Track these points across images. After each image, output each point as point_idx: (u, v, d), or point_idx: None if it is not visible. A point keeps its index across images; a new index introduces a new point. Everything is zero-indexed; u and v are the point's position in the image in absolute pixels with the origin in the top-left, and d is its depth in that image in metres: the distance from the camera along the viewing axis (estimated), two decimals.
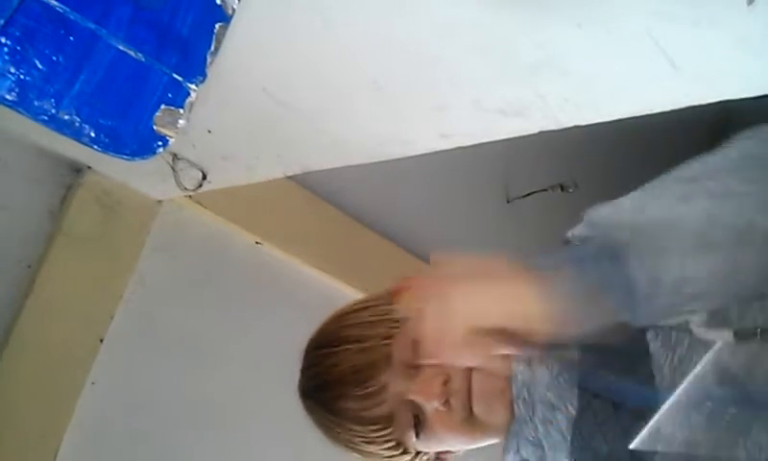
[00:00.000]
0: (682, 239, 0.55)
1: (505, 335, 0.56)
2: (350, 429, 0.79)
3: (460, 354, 0.60)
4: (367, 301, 0.89)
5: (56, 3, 0.56)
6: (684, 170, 0.62)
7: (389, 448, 0.79)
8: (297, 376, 0.92)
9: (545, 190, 1.93)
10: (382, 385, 0.77)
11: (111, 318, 1.21)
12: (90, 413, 1.18)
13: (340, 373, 0.79)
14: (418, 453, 0.80)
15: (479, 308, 0.57)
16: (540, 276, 0.57)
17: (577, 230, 0.64)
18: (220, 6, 0.62)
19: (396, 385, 0.76)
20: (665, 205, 0.58)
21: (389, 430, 0.77)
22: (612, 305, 0.55)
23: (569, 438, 0.69)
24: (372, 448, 0.79)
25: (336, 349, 0.82)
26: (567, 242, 0.70)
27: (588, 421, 0.67)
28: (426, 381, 0.74)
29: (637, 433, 0.63)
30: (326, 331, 0.86)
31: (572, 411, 0.69)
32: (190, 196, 1.23)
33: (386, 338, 0.79)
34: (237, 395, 1.38)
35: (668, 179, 0.62)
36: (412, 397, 0.75)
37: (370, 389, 0.77)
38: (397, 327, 0.80)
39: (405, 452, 0.79)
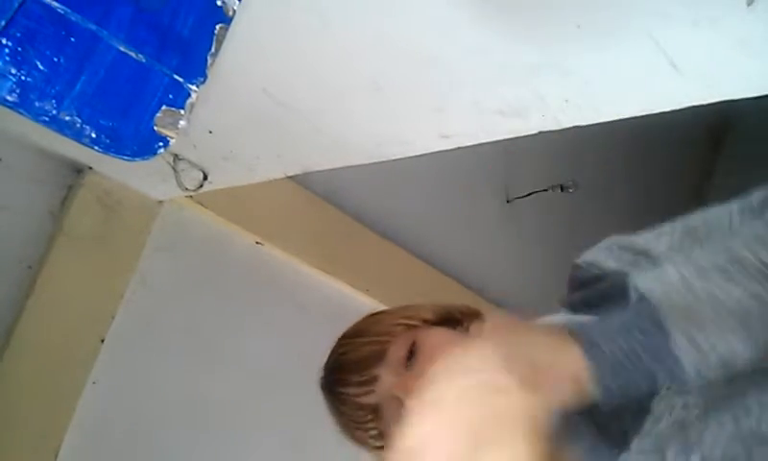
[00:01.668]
0: (725, 319, 0.56)
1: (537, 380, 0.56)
2: (344, 413, 0.84)
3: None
4: (392, 307, 0.95)
5: (57, 4, 0.56)
6: (723, 238, 0.64)
7: (375, 438, 0.82)
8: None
9: (545, 190, 1.93)
10: (374, 376, 0.81)
11: (112, 318, 1.21)
12: (91, 413, 1.18)
13: (345, 360, 0.86)
14: None
15: (525, 349, 0.56)
16: (586, 338, 0.58)
17: (598, 256, 0.66)
18: (220, 7, 0.62)
19: (386, 379, 0.81)
20: (712, 284, 0.58)
21: (373, 418, 0.81)
22: (658, 375, 0.56)
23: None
24: (360, 435, 0.83)
25: (349, 340, 0.88)
26: (577, 267, 0.72)
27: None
28: (409, 378, 0.78)
29: (628, 411, 0.65)
30: (350, 326, 0.92)
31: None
32: (191, 196, 1.23)
33: (388, 335, 0.84)
34: (237, 394, 1.38)
35: (711, 246, 0.63)
36: (395, 391, 0.79)
37: (364, 377, 0.82)
38: (402, 328, 0.84)
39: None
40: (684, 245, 0.68)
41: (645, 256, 0.74)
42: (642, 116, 0.65)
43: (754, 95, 0.58)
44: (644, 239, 0.72)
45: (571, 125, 0.70)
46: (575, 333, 0.57)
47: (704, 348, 0.55)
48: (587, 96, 0.65)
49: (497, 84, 0.68)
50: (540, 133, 0.72)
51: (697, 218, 0.69)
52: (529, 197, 1.95)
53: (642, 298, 0.60)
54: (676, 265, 0.61)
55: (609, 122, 0.68)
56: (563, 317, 0.78)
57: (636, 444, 0.63)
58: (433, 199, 1.78)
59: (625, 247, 0.77)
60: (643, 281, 0.61)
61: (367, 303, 1.54)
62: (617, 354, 0.57)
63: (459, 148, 0.80)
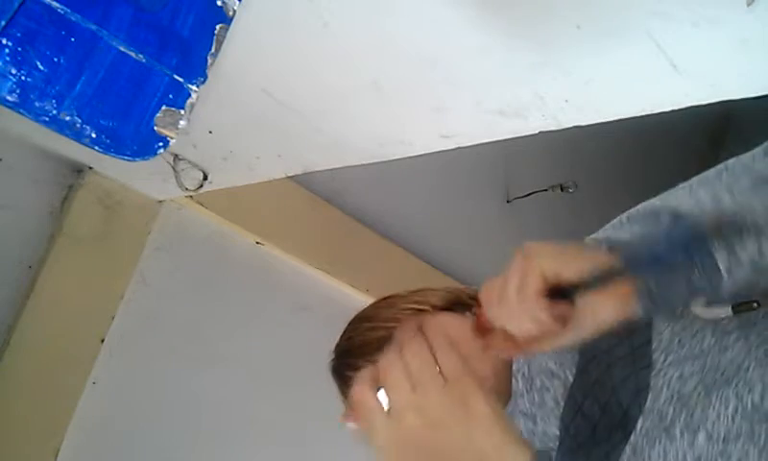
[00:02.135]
0: (756, 222, 0.59)
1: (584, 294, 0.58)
2: (349, 397, 0.85)
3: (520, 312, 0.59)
4: (402, 292, 0.96)
5: (57, 4, 0.56)
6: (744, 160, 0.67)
7: None
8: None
9: (545, 190, 1.93)
10: (378, 361, 0.82)
11: (112, 318, 1.21)
12: (91, 413, 1.18)
13: (352, 345, 0.87)
14: None
15: (564, 261, 0.58)
16: (624, 251, 0.60)
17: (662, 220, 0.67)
18: (221, 7, 0.62)
19: None
20: (739, 197, 0.62)
21: None
22: (695, 279, 0.59)
23: (562, 403, 0.70)
24: None
25: (357, 324, 0.90)
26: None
27: (581, 383, 0.69)
28: None
29: (628, 388, 0.65)
30: (361, 310, 0.94)
31: (570, 378, 0.70)
32: (191, 196, 1.23)
33: (394, 321, 0.85)
34: (237, 394, 1.38)
35: (736, 174, 0.67)
36: None
37: (369, 362, 0.82)
38: (409, 313, 0.85)
39: None
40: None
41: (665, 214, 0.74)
42: (642, 116, 0.66)
43: (754, 95, 0.58)
44: (660, 198, 0.73)
45: (571, 125, 0.70)
46: (613, 249, 0.60)
47: (736, 249, 0.58)
48: (587, 96, 0.65)
49: (497, 85, 0.68)
50: (540, 133, 0.72)
51: (714, 170, 0.70)
52: (529, 197, 1.95)
53: (674, 214, 0.63)
54: (704, 188, 0.64)
55: (609, 122, 0.68)
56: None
57: (641, 422, 0.63)
58: (433, 199, 1.78)
59: (635, 216, 0.78)
60: (674, 200, 0.64)
61: (367, 304, 1.54)
62: (658, 262, 0.59)
63: (459, 148, 0.80)
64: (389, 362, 0.56)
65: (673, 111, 0.63)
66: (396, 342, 0.83)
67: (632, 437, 0.63)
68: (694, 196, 0.64)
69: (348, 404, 0.87)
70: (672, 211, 0.64)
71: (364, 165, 0.91)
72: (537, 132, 0.72)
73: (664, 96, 0.62)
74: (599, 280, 0.59)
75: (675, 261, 0.59)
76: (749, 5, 0.49)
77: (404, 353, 0.56)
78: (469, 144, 0.78)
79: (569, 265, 0.59)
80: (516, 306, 0.59)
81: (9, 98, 0.56)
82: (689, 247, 0.59)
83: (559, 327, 0.61)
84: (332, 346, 0.92)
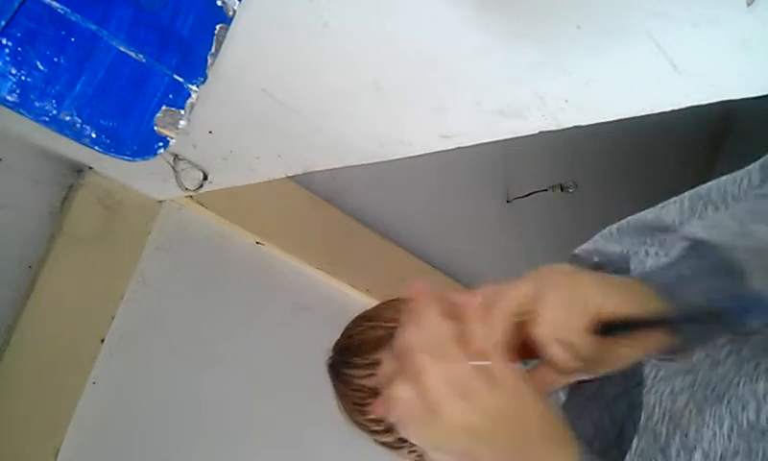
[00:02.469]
0: None
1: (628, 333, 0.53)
2: (346, 395, 0.85)
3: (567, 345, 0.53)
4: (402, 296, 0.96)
5: (57, 4, 0.56)
6: (759, 183, 0.64)
7: (374, 422, 0.82)
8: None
9: (545, 190, 1.93)
10: (376, 360, 0.82)
11: (112, 318, 1.21)
12: (91, 413, 1.18)
13: (351, 343, 0.87)
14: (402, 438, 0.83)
15: (610, 296, 0.53)
16: (661, 287, 0.55)
17: (674, 251, 0.63)
18: (221, 7, 0.62)
19: (387, 364, 0.81)
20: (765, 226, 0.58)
21: (372, 401, 0.80)
22: (732, 316, 0.54)
23: None
24: (360, 419, 0.83)
25: (357, 323, 0.90)
26: (575, 256, 0.71)
27: (575, 401, 0.68)
28: None
29: (621, 406, 0.64)
30: (363, 310, 0.94)
31: (562, 397, 0.70)
32: (191, 196, 1.24)
33: (395, 321, 0.86)
34: (237, 394, 1.38)
35: (747, 194, 0.63)
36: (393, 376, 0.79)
37: (367, 361, 0.83)
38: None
39: (389, 431, 0.82)
40: (698, 209, 0.66)
41: (657, 230, 0.72)
42: (642, 116, 0.66)
43: (754, 95, 0.58)
44: (652, 213, 0.71)
45: (571, 125, 0.70)
46: (643, 282, 0.56)
47: None
48: (587, 96, 0.65)
49: (497, 85, 0.68)
50: (540, 132, 0.72)
51: (705, 186, 0.68)
52: (529, 197, 1.95)
53: (699, 243, 0.58)
54: (724, 214, 0.60)
55: (609, 122, 0.68)
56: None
57: (636, 442, 0.63)
58: (433, 199, 1.78)
59: (626, 228, 0.77)
60: (697, 229, 0.60)
61: (367, 304, 1.54)
62: (694, 298, 0.55)
63: (459, 148, 0.80)
64: (427, 362, 0.53)
65: (673, 111, 0.63)
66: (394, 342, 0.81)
67: (627, 457, 0.63)
68: (713, 221, 0.59)
69: (340, 403, 0.87)
70: (690, 237, 0.59)
71: (364, 165, 0.91)
72: (537, 132, 0.72)
73: (664, 96, 0.62)
74: (641, 325, 0.54)
75: (721, 320, 0.55)
76: (749, 5, 0.49)
77: (445, 355, 0.51)
78: (469, 144, 0.79)
79: (610, 301, 0.54)
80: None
81: (9, 98, 0.56)
82: (726, 288, 0.54)
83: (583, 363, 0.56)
84: (332, 343, 0.92)
